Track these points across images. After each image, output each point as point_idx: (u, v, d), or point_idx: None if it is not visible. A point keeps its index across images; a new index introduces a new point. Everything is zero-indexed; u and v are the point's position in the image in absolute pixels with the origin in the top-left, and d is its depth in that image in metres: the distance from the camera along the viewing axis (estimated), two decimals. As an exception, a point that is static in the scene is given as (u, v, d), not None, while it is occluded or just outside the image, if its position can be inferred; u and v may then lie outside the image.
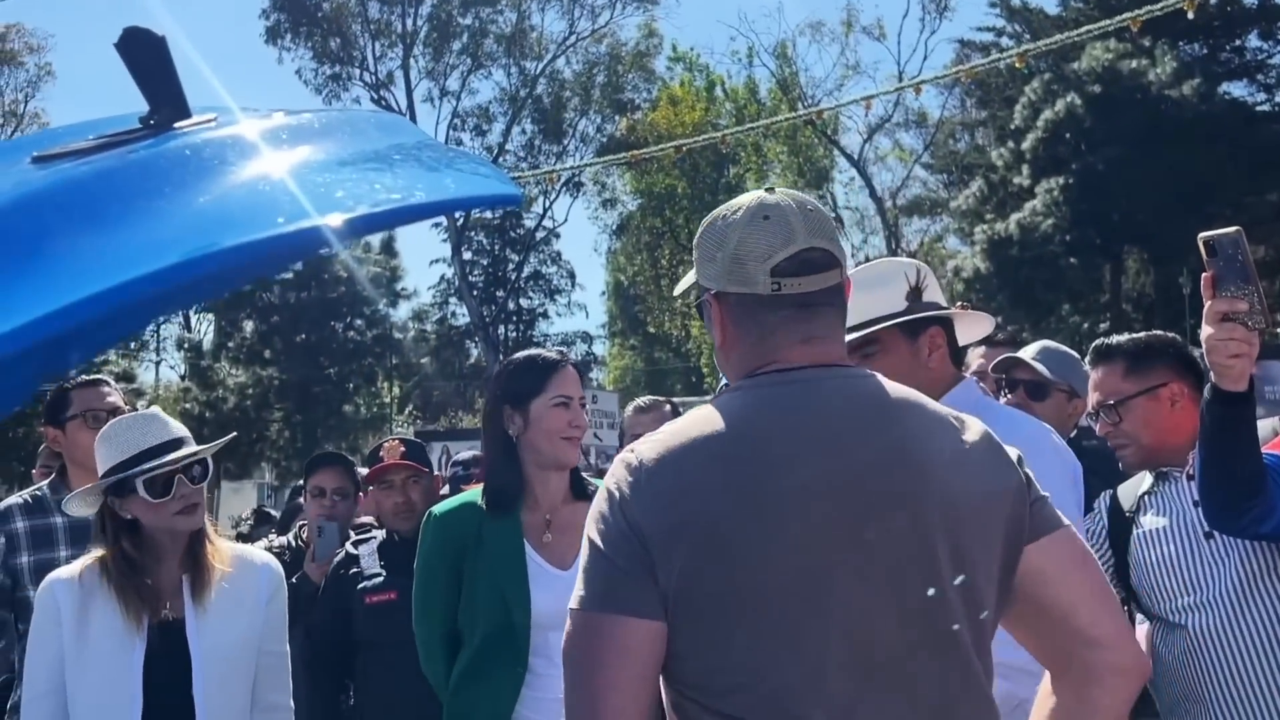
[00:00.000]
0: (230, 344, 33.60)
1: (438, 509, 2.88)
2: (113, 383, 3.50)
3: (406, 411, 35.89)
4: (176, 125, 0.85)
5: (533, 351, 2.94)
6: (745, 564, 1.47)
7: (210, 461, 2.68)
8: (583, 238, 56.44)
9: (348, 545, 3.73)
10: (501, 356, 33.39)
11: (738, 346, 1.64)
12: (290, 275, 32.24)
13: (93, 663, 2.53)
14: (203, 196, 0.78)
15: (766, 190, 1.68)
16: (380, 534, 3.69)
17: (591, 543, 1.52)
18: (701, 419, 1.57)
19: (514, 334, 36.65)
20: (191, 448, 2.63)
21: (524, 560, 2.71)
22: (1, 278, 0.57)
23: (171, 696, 2.54)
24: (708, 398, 1.72)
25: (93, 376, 3.51)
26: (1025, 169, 25.77)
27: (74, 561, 2.66)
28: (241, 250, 0.67)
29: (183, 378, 35.65)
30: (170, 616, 2.59)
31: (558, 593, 2.57)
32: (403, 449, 4.14)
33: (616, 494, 1.52)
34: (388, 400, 34.43)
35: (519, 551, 2.72)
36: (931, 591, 1.49)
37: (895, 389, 1.62)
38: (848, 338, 2.46)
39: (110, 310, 0.56)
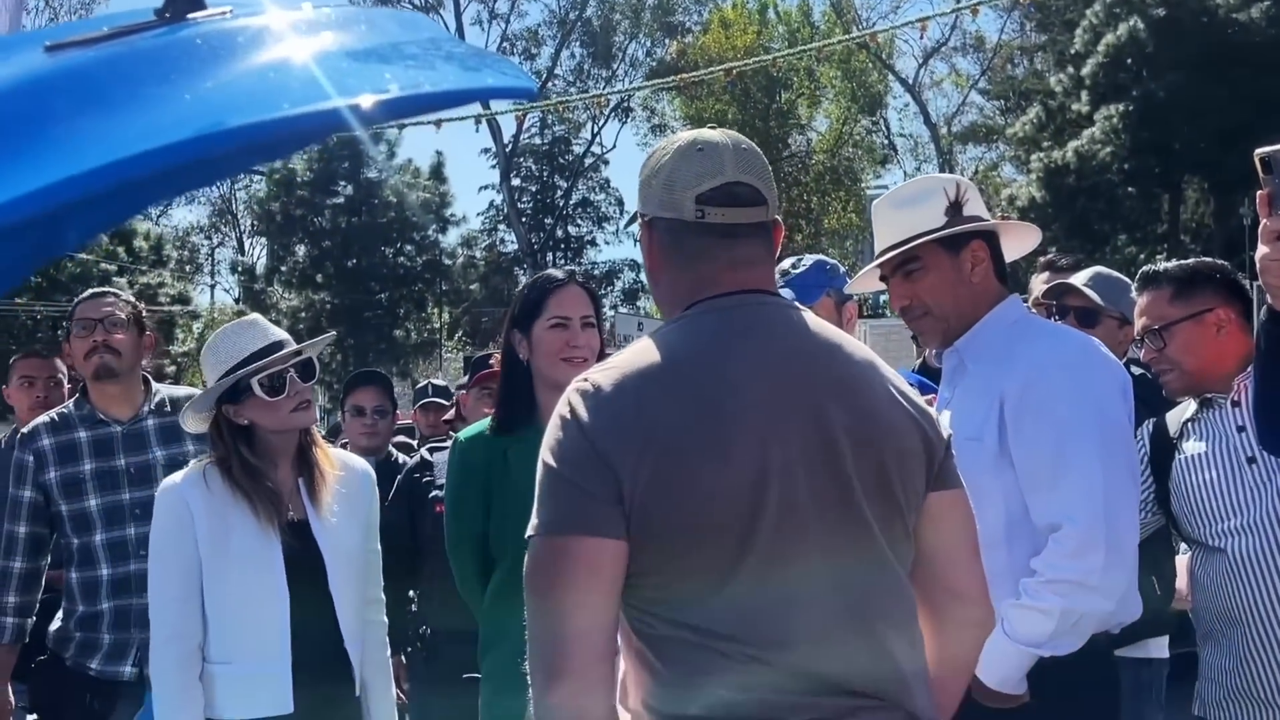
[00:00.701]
0: (283, 268, 33.94)
1: (462, 434, 2.93)
2: (120, 295, 3.50)
3: (456, 337, 36.16)
4: (190, 16, 0.85)
5: (542, 273, 2.94)
6: (706, 476, 1.52)
7: (315, 361, 2.76)
8: (631, 164, 56.13)
9: (423, 451, 3.82)
10: (549, 283, 33.45)
11: (666, 271, 1.73)
12: (341, 200, 32.39)
13: (235, 564, 2.63)
14: (209, 81, 0.78)
15: (710, 128, 1.76)
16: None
17: (550, 469, 1.55)
18: (648, 347, 1.64)
19: (562, 261, 36.62)
20: (295, 347, 2.72)
21: None
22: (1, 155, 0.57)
23: (308, 592, 2.67)
24: None
25: (101, 289, 3.53)
26: (1084, 95, 25.08)
27: (190, 464, 2.76)
28: (243, 131, 0.68)
29: (237, 301, 36.14)
30: (295, 517, 2.71)
31: None
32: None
33: (573, 420, 1.55)
34: (437, 326, 34.70)
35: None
36: (866, 505, 1.58)
37: (827, 326, 1.72)
38: (887, 255, 2.45)
39: (106, 186, 0.57)
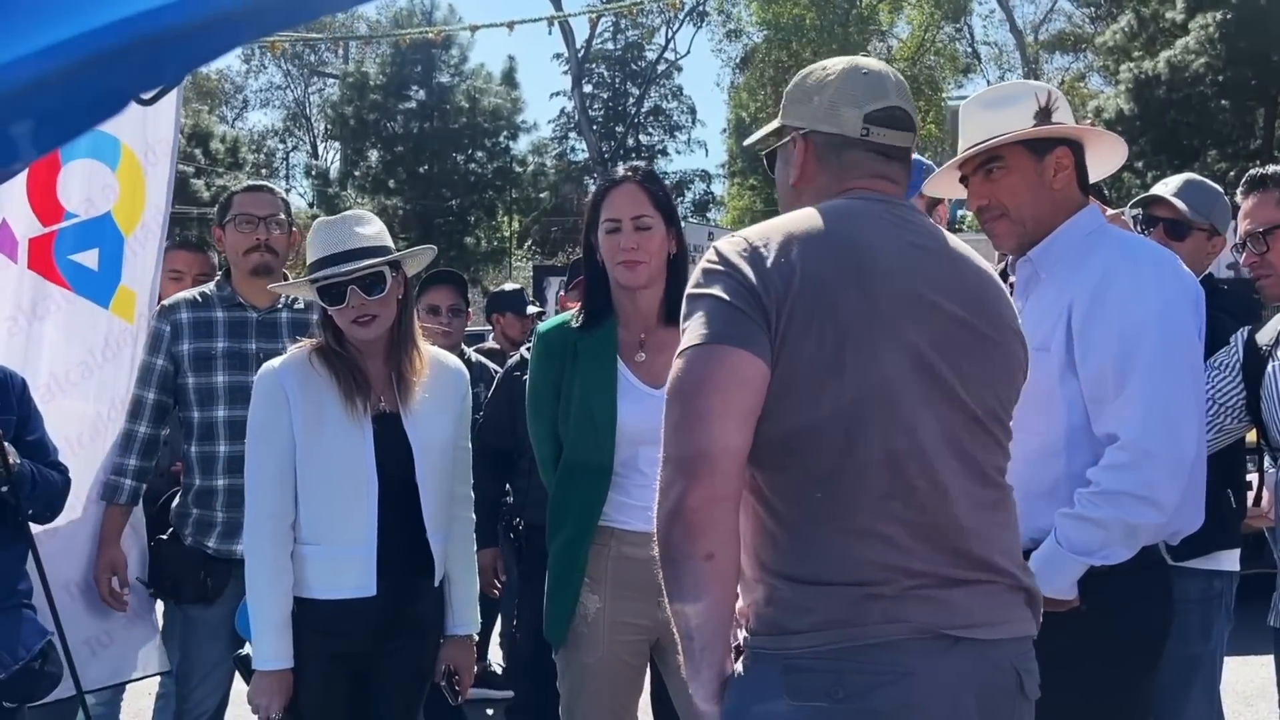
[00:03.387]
0: (356, 173, 34.13)
1: (541, 326, 2.97)
2: (278, 191, 3.64)
3: (526, 246, 36.25)
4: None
5: (608, 172, 2.94)
6: (849, 323, 1.62)
7: (388, 273, 2.73)
8: (705, 72, 55.20)
9: (523, 349, 3.90)
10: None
11: (814, 182, 1.83)
12: (413, 104, 32.34)
13: (328, 446, 2.71)
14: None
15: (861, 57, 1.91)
16: None
17: (706, 297, 1.63)
18: (801, 214, 1.75)
19: (633, 170, 36.33)
20: (370, 260, 2.71)
21: (615, 374, 2.78)
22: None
23: (395, 480, 2.75)
24: None
25: (259, 183, 3.70)
26: (1179, 3, 24.01)
27: (290, 350, 2.83)
28: None
29: (310, 205, 36.53)
30: (386, 409, 2.77)
31: (645, 408, 2.66)
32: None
33: (726, 266, 1.65)
34: (507, 234, 34.78)
35: (611, 366, 2.79)
36: (980, 394, 1.71)
37: (952, 236, 1.85)
38: (971, 151, 2.44)
39: (201, 16, 0.58)
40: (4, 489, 2.65)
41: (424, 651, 2.94)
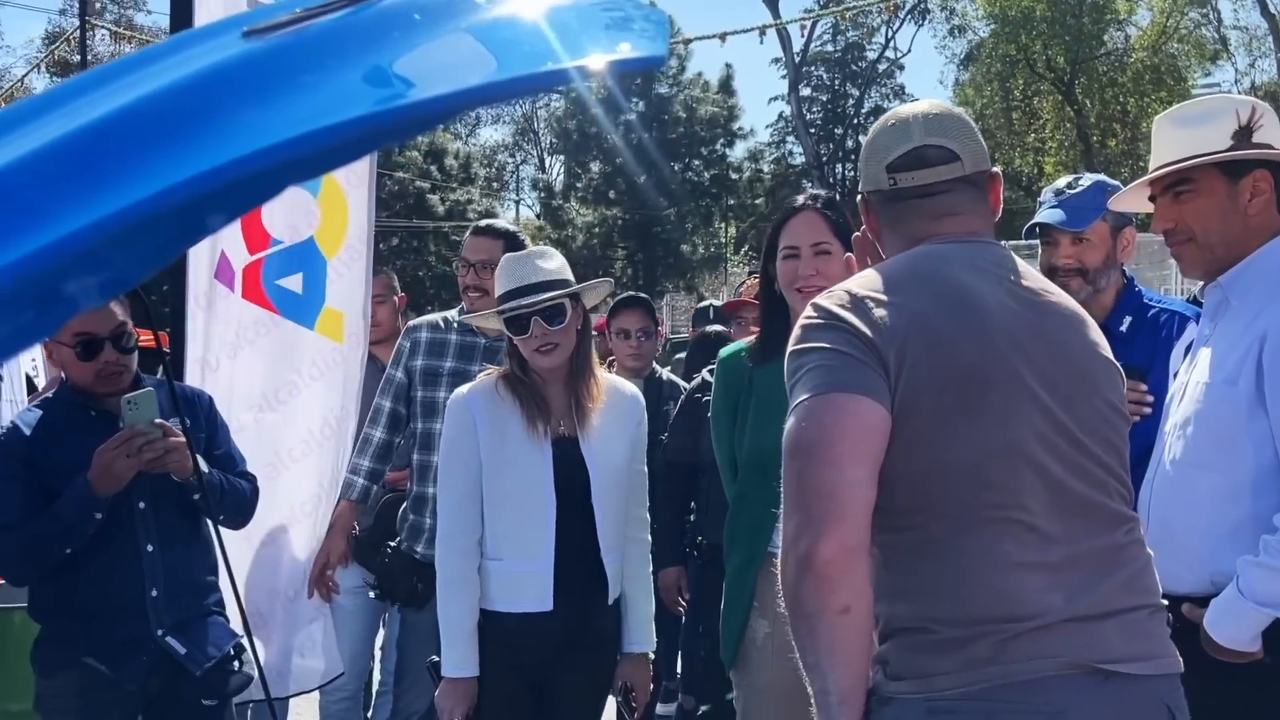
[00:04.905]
0: (578, 184, 35.11)
1: (723, 351, 3.00)
2: (499, 229, 3.82)
3: (742, 251, 36.32)
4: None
5: (787, 200, 2.94)
6: (962, 360, 1.59)
7: (569, 305, 2.88)
8: (928, 69, 53.82)
9: (704, 372, 3.98)
10: (838, 197, 32.82)
11: (884, 241, 1.82)
12: (633, 116, 33.00)
13: (511, 467, 2.87)
14: (392, 54, 0.85)
15: (913, 102, 1.92)
16: None
17: (814, 350, 1.61)
18: (892, 264, 1.74)
19: (851, 173, 35.85)
20: (553, 292, 2.87)
21: (785, 409, 2.77)
22: (162, 150, 0.67)
23: (573, 501, 2.87)
24: None
25: (487, 224, 3.89)
26: None
27: (477, 378, 3.00)
28: (393, 112, 0.75)
29: (538, 216, 37.83)
30: (565, 433, 2.91)
31: None
32: (760, 287, 4.29)
33: (830, 319, 1.63)
34: (724, 240, 34.96)
35: (782, 400, 2.78)
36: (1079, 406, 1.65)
37: (1033, 273, 1.79)
38: (1159, 173, 2.31)
39: (247, 174, 0.65)
40: (196, 496, 2.90)
41: (601, 667, 3.04)
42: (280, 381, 3.58)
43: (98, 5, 33.70)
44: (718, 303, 6.29)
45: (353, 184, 3.67)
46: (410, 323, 3.78)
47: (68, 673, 2.82)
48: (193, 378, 3.36)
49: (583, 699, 3.05)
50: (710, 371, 3.99)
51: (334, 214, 3.66)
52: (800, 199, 2.83)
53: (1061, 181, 3.02)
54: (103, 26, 32.99)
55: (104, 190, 0.66)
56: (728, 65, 34.63)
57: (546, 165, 44.53)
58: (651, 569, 3.17)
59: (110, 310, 2.80)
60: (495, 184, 40.94)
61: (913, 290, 1.64)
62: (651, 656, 3.19)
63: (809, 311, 1.67)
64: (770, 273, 2.80)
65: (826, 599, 1.48)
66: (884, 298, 1.62)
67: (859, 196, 1.86)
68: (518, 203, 44.49)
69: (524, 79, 0.84)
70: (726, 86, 33.59)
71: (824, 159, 36.51)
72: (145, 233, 0.64)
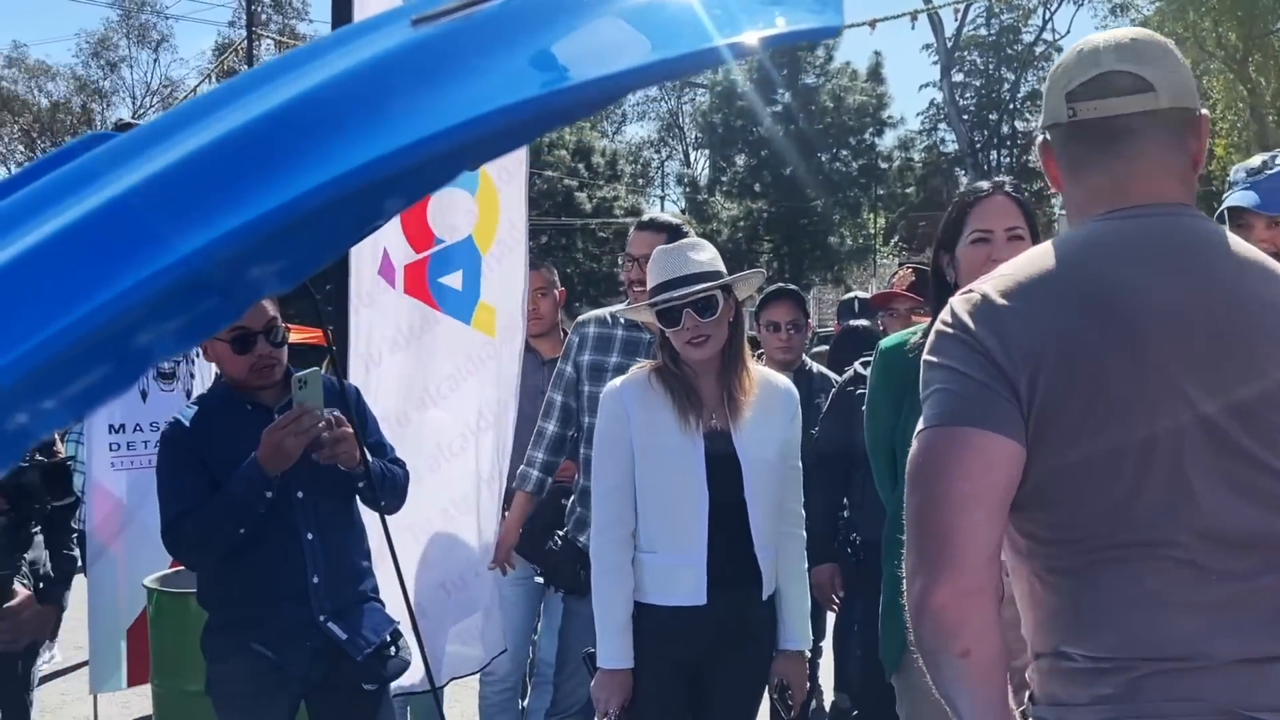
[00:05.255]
0: (723, 179, 35.05)
1: (884, 342, 2.93)
2: (668, 223, 3.81)
3: (892, 243, 35.67)
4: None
5: (968, 186, 2.83)
6: (1107, 379, 1.41)
7: (721, 296, 2.88)
8: (1088, 51, 51.62)
9: (856, 365, 3.92)
10: (992, 184, 31.84)
11: (1063, 186, 1.60)
12: (779, 107, 32.76)
13: (662, 460, 2.87)
14: (553, 38, 0.85)
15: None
16: None
17: (943, 368, 1.47)
18: (1040, 254, 1.52)
19: (1006, 160, 34.78)
20: (704, 284, 2.86)
21: None
22: (340, 135, 0.67)
23: (725, 495, 2.86)
24: None
25: (651, 219, 3.89)
26: None
27: (629, 371, 3.01)
28: (562, 93, 0.74)
29: (682, 212, 37.92)
30: (717, 426, 2.89)
31: None
32: (913, 279, 4.20)
33: (960, 330, 1.47)
34: (873, 231, 34.39)
35: None
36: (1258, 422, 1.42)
37: (1245, 247, 1.52)
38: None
39: (417, 160, 0.65)
40: (360, 485, 2.98)
41: (757, 663, 3.01)
42: (440, 376, 3.66)
43: (263, 16, 35.24)
44: (864, 295, 6.15)
45: (504, 179, 3.71)
46: (579, 318, 3.82)
47: (236, 659, 2.93)
48: (355, 373, 3.46)
49: (738, 695, 3.02)
50: (863, 364, 3.91)
51: (487, 210, 3.72)
52: (986, 184, 2.72)
53: (1255, 160, 2.84)
54: (268, 36, 34.52)
55: (286, 175, 0.67)
56: (876, 53, 34.03)
57: (691, 160, 44.61)
58: (806, 565, 3.13)
59: (262, 306, 2.88)
60: (641, 180, 41.22)
61: (1056, 295, 1.45)
62: (808, 655, 3.14)
63: (945, 314, 1.51)
64: (941, 263, 2.70)
65: (945, 642, 1.41)
66: (1021, 306, 1.44)
67: (1039, 139, 1.64)
68: (663, 198, 44.70)
69: (682, 59, 0.82)
70: (875, 74, 33.02)
71: (978, 146, 35.51)
72: (324, 218, 0.65)
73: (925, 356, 1.52)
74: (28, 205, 0.83)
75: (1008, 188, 2.67)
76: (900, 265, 5.15)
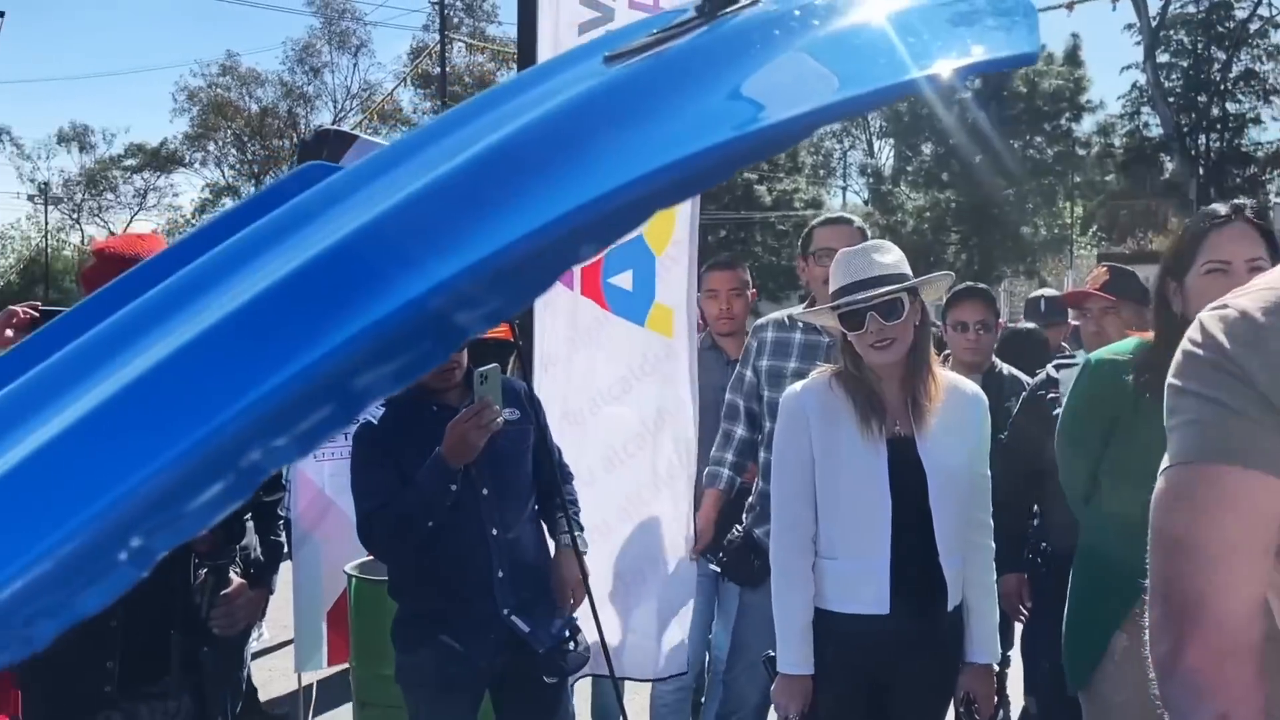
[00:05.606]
0: (909, 168, 34.25)
1: (1094, 356, 2.79)
2: (856, 222, 3.81)
3: (1090, 233, 34.08)
4: (723, 11, 0.93)
5: (1202, 210, 2.61)
6: None
7: (906, 299, 2.81)
8: (1311, 24, 48.06)
9: (1049, 368, 3.80)
10: (1200, 171, 30.08)
11: None
12: (969, 94, 31.74)
13: (844, 467, 2.84)
14: (743, 76, 0.85)
15: None
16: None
17: (1193, 395, 1.28)
18: None
19: (1216, 144, 32.71)
20: (889, 287, 2.81)
21: None
22: (539, 180, 0.69)
23: (909, 504, 2.81)
24: None
25: (835, 215, 3.87)
26: None
27: (810, 375, 2.99)
28: (770, 128, 0.74)
29: (865, 203, 37.27)
30: (901, 433, 2.84)
31: None
32: (1107, 277, 4.03)
33: (1214, 351, 1.29)
34: (1069, 221, 32.96)
35: None
36: None
37: None
38: None
39: (616, 206, 0.66)
40: (556, 500, 3.07)
41: (942, 675, 2.94)
42: (613, 377, 3.72)
43: (455, 20, 36.44)
44: (1052, 293, 5.90)
45: None
46: (757, 322, 3.80)
47: (424, 650, 3.04)
48: (536, 375, 3.56)
49: (921, 706, 2.96)
50: (1056, 366, 3.76)
51: (663, 211, 3.74)
52: (1223, 208, 2.52)
53: None
54: (460, 39, 35.66)
55: (497, 221, 0.70)
56: (1074, 35, 32.57)
57: (875, 149, 43.73)
58: (995, 576, 3.03)
59: None
60: (822, 171, 40.70)
61: None
62: (996, 668, 3.05)
63: (1194, 332, 1.33)
64: (1168, 291, 2.54)
65: (1195, 705, 1.24)
66: None
67: None
68: (845, 189, 44.05)
69: (875, 93, 0.81)
70: (1073, 57, 31.61)
71: (1185, 130, 33.52)
72: (531, 263, 0.67)
73: (1171, 380, 1.35)
74: (252, 245, 0.89)
75: (1248, 213, 2.48)
76: (1098, 261, 4.91)
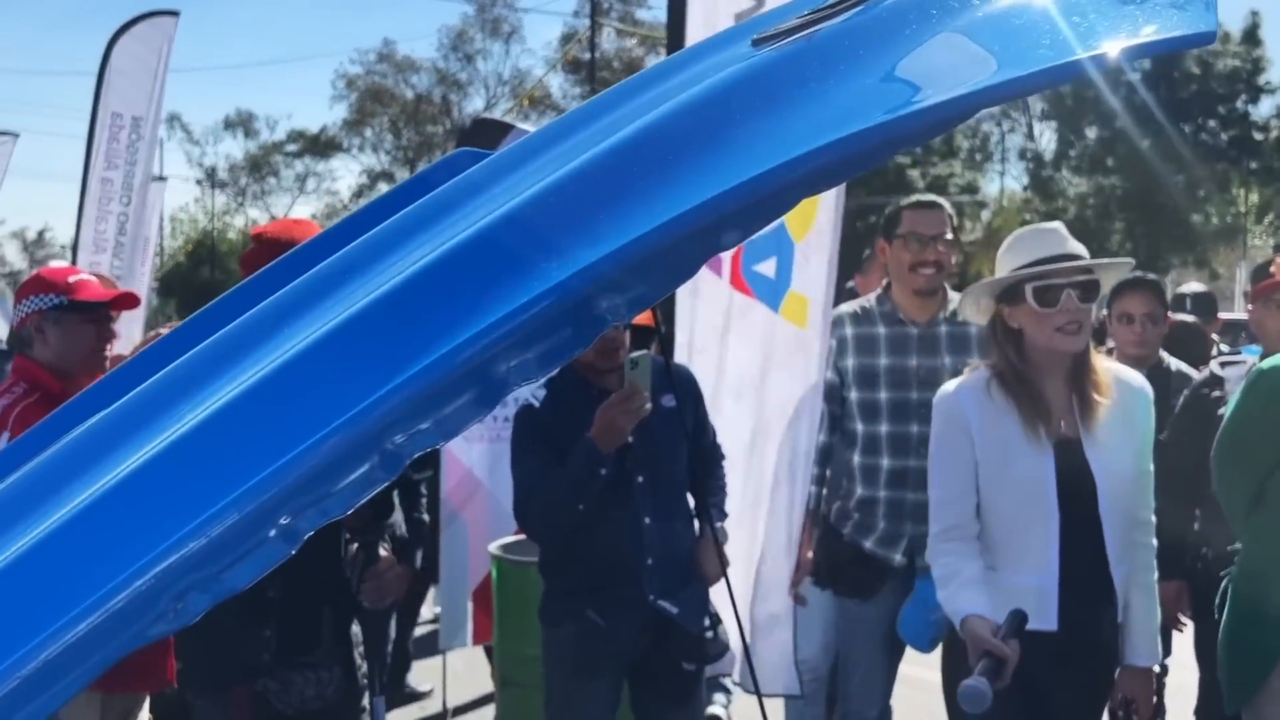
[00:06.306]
0: (1072, 152, 32.98)
1: (1269, 365, 2.64)
2: (945, 206, 3.61)
3: (1266, 221, 32.20)
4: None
5: None
6: None
7: (1100, 284, 2.68)
8: None
9: (1214, 365, 3.61)
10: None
11: None
12: (1138, 75, 30.36)
13: (1009, 474, 2.65)
14: (895, 58, 0.82)
15: None
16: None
17: None
18: None
19: None
20: (1082, 263, 2.67)
21: None
22: (683, 167, 0.68)
23: (1078, 511, 2.64)
24: None
25: (927, 198, 3.65)
26: None
27: (966, 372, 2.82)
28: (925, 111, 0.71)
29: (1024, 189, 36.05)
30: (1068, 434, 2.68)
31: None
32: None
33: None
34: (1244, 209, 31.22)
35: None
36: None
37: None
38: None
39: (762, 193, 0.65)
40: (705, 485, 3.05)
41: (1101, 680, 2.80)
42: (751, 365, 3.65)
43: (605, 5, 36.71)
44: (1199, 288, 5.58)
45: None
46: (834, 315, 3.59)
47: (569, 624, 3.08)
48: (679, 359, 3.54)
49: (1078, 711, 2.82)
50: (1221, 364, 3.55)
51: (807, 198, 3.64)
52: None
53: None
54: (610, 25, 35.94)
55: (643, 208, 0.69)
56: (1253, 12, 30.71)
57: (1035, 133, 42.22)
58: (1156, 577, 2.89)
59: None
60: (979, 155, 39.53)
61: None
62: (1157, 670, 2.89)
63: None
64: None
65: None
66: None
67: None
68: (1003, 174, 42.63)
69: (1035, 75, 0.77)
70: (1252, 36, 29.86)
71: (1374, 112, 31.34)
72: (673, 251, 0.66)
73: None
74: (400, 231, 0.90)
75: None
76: (1276, 249, 4.61)
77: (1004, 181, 41.39)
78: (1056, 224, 2.82)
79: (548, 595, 3.20)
